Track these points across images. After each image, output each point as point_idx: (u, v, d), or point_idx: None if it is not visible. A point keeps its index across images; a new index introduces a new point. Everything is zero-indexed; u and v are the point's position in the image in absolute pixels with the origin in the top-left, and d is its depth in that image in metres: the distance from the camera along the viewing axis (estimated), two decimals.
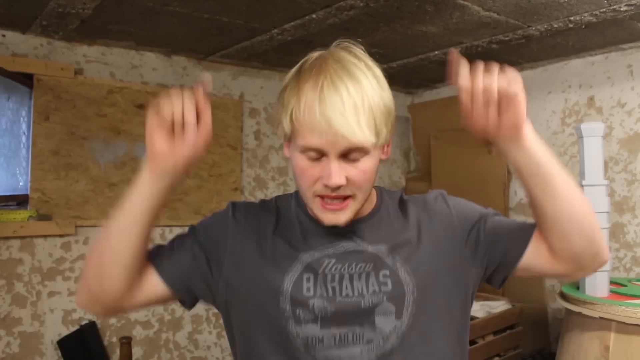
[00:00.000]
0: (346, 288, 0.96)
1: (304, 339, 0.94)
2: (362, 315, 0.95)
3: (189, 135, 0.87)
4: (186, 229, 1.06)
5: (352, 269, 0.97)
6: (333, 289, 0.96)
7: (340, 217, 0.94)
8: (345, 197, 0.93)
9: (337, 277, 0.97)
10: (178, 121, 0.86)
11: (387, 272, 0.97)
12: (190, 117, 0.86)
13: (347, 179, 0.91)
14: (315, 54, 0.96)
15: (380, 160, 0.98)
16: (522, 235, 0.99)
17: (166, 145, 0.88)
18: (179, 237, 1.04)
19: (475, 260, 1.01)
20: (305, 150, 0.91)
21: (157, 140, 0.87)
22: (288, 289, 0.96)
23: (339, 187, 0.91)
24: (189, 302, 1.04)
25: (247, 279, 0.99)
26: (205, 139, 0.89)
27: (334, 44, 0.98)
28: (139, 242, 0.93)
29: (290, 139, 0.94)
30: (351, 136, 0.87)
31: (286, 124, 0.92)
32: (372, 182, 0.96)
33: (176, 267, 1.00)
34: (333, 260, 0.98)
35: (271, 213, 1.05)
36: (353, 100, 0.87)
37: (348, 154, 0.90)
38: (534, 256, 0.98)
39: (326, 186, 0.90)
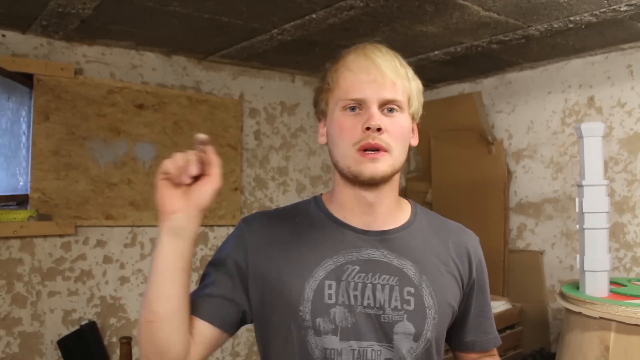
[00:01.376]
0: (368, 298, 0.96)
1: (323, 350, 0.94)
2: (382, 331, 0.96)
3: (198, 185, 0.89)
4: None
5: (375, 279, 0.97)
6: (355, 297, 0.96)
7: (378, 165, 0.96)
8: (381, 150, 0.96)
9: (359, 285, 0.97)
10: (183, 171, 0.86)
11: (412, 290, 0.98)
12: (193, 168, 0.86)
13: (385, 128, 0.95)
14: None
15: (410, 148, 1.04)
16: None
17: (176, 202, 0.88)
18: (203, 277, 1.04)
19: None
20: (346, 103, 0.96)
21: (167, 200, 0.88)
22: (309, 298, 0.95)
23: (379, 130, 0.94)
24: (237, 328, 1.04)
25: (270, 290, 0.99)
26: (214, 188, 0.90)
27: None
28: (180, 302, 0.91)
29: (328, 103, 1.00)
30: (392, 74, 0.96)
31: (331, 79, 0.99)
32: (405, 145, 1.01)
33: (213, 305, 0.99)
34: (357, 268, 0.98)
35: (290, 219, 1.05)
36: (392, 58, 0.99)
37: (386, 105, 0.96)
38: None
39: (367, 130, 0.94)
